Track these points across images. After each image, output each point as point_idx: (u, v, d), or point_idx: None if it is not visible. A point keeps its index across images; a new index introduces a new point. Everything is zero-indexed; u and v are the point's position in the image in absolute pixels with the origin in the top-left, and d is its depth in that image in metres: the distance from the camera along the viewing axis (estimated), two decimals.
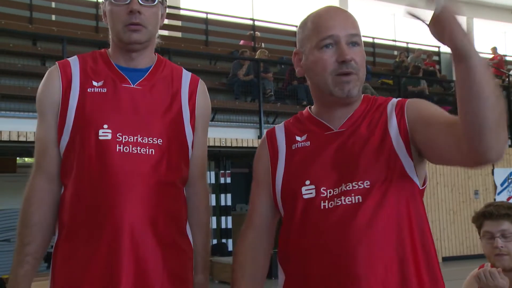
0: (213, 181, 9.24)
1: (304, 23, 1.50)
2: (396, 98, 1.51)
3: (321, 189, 1.41)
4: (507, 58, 16.92)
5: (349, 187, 1.38)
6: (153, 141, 1.59)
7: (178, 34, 12.33)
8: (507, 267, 1.99)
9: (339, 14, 1.46)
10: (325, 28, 1.42)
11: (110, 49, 1.72)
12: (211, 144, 8.09)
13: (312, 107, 1.57)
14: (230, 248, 9.02)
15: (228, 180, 9.38)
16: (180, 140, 1.66)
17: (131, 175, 1.54)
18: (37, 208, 1.59)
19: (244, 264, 1.55)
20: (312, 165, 1.45)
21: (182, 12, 12.53)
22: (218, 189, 9.34)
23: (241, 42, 12.79)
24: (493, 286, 1.93)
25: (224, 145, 8.25)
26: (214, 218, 9.15)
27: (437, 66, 14.84)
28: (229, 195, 9.32)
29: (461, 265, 6.99)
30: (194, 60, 10.95)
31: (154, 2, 1.63)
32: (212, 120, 8.65)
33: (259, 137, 8.62)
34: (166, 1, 1.73)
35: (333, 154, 1.43)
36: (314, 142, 1.47)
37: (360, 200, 1.36)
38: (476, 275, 2.01)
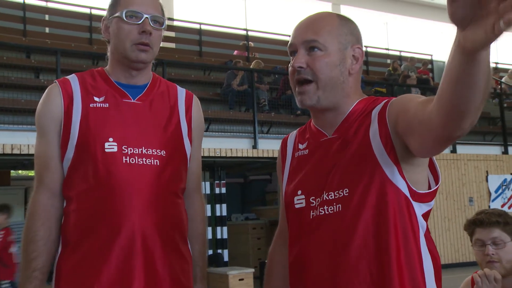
0: (208, 191, 9.22)
1: None
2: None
3: (310, 199, 1.42)
4: (499, 66, 17.04)
5: (331, 196, 1.37)
6: (157, 152, 1.66)
7: (172, 45, 12.37)
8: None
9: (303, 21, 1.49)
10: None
11: (108, 66, 1.77)
12: (206, 154, 8.10)
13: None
14: (226, 258, 8.99)
15: (223, 190, 9.37)
16: (180, 152, 1.73)
17: (139, 185, 1.60)
18: (42, 224, 1.62)
19: (270, 270, 1.66)
20: (304, 174, 1.47)
21: (175, 23, 12.58)
22: (213, 199, 9.33)
23: (235, 52, 12.84)
24: None
25: (219, 155, 8.26)
26: (209, 229, 9.12)
27: (430, 74, 14.92)
28: (224, 205, 9.31)
29: (456, 273, 6.99)
30: (188, 71, 10.98)
31: (162, 26, 1.72)
32: (206, 131, 8.66)
33: (254, 147, 8.64)
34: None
35: (322, 161, 1.43)
36: (311, 150, 1.49)
37: (340, 209, 1.35)
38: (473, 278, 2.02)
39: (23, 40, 9.83)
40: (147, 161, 1.63)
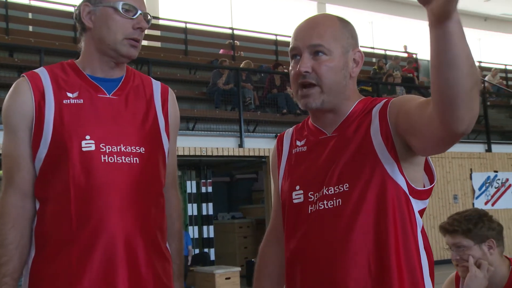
0: (194, 190, 9.21)
1: None
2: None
3: (309, 194, 1.43)
4: (482, 65, 17.23)
5: (330, 191, 1.38)
6: (135, 149, 1.59)
7: (158, 44, 12.32)
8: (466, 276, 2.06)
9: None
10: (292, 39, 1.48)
11: (81, 58, 1.69)
12: (192, 153, 8.08)
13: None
14: (212, 257, 8.99)
15: (210, 189, 9.36)
16: (159, 148, 1.66)
17: (119, 184, 1.53)
18: (12, 226, 1.53)
19: (260, 269, 1.65)
20: (303, 169, 1.47)
21: (161, 22, 12.52)
22: (199, 198, 9.31)
23: (221, 51, 12.82)
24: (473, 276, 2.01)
25: (205, 154, 8.24)
26: (196, 228, 9.11)
27: (415, 73, 15.04)
28: (210, 204, 9.30)
29: (442, 270, 7.04)
30: (173, 70, 10.93)
31: (149, 23, 1.67)
32: (192, 129, 8.63)
33: (240, 145, 8.63)
34: None
35: (321, 158, 1.44)
36: (310, 147, 1.50)
37: (340, 203, 1.36)
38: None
39: (6, 39, 9.72)
40: (126, 160, 1.56)
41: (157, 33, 12.41)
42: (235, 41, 13.02)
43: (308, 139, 1.51)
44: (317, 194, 1.41)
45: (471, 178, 10.90)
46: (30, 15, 11.19)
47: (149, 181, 1.60)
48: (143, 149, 1.60)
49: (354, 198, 1.35)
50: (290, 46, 1.47)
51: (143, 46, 12.95)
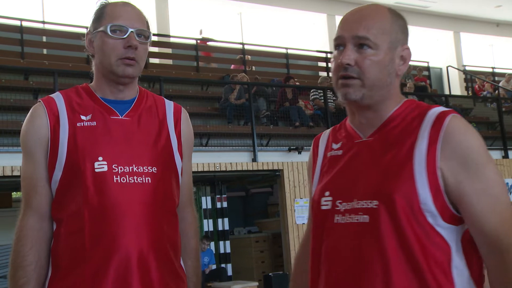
0: (209, 206, 9.21)
1: None
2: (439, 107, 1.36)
3: (337, 202, 1.37)
4: (496, 70, 17.10)
5: (359, 205, 1.31)
6: (148, 169, 1.61)
7: (169, 62, 12.43)
8: None
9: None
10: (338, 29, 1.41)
11: (93, 82, 1.74)
12: (206, 169, 8.10)
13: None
14: (229, 272, 8.96)
15: (225, 204, 9.36)
16: (172, 167, 1.69)
17: (131, 205, 1.56)
18: (30, 248, 1.57)
19: (295, 277, 1.63)
20: (335, 175, 1.41)
21: (172, 40, 12.64)
22: (215, 213, 9.31)
23: (232, 66, 12.90)
24: None
25: (219, 169, 8.26)
26: (212, 244, 9.10)
27: (427, 81, 14.97)
28: (226, 220, 9.29)
29: None
30: (185, 87, 11.01)
31: (148, 39, 1.68)
32: (205, 145, 8.67)
33: (254, 160, 8.64)
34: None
35: (353, 164, 1.38)
36: (345, 151, 1.43)
37: (368, 221, 1.29)
38: None
39: (21, 62, 9.88)
40: (138, 180, 1.59)
41: (169, 50, 12.52)
42: (246, 56, 13.09)
43: (344, 142, 1.45)
44: (345, 204, 1.34)
45: None
46: (44, 39, 11.37)
47: (161, 200, 1.62)
48: (155, 169, 1.62)
49: (383, 219, 1.26)
50: (336, 35, 1.38)
51: (155, 64, 13.04)
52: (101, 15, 1.68)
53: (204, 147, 8.62)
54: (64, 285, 1.55)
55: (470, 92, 16.01)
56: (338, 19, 16.44)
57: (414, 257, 1.25)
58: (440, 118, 1.30)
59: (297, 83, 11.58)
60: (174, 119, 1.74)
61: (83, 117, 1.64)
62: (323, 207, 1.40)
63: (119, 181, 1.57)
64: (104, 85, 1.70)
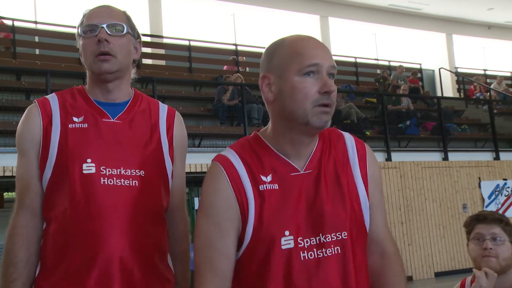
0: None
1: (277, 47, 1.42)
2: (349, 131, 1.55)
3: (299, 239, 1.35)
4: (487, 73, 17.21)
5: (328, 239, 1.36)
6: (135, 172, 1.63)
7: (162, 62, 12.42)
8: (493, 269, 2.04)
9: (321, 44, 1.41)
10: (309, 56, 1.35)
11: (87, 85, 1.76)
12: (198, 170, 8.09)
13: (267, 137, 1.44)
14: None
15: None
16: (161, 171, 1.70)
17: (117, 207, 1.58)
18: (21, 245, 1.59)
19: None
20: (287, 213, 1.36)
21: (165, 41, 12.63)
22: None
23: (225, 67, 12.90)
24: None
25: None
26: None
27: (420, 83, 15.04)
28: None
29: (452, 280, 6.98)
30: (178, 87, 11.00)
31: (122, 32, 1.68)
32: (198, 146, 8.67)
33: None
34: (139, 34, 1.78)
35: (306, 200, 1.38)
36: (282, 185, 1.38)
37: (339, 251, 1.37)
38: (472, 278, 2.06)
39: (14, 63, 9.84)
40: (125, 182, 1.60)
41: (161, 51, 12.52)
42: (239, 57, 13.09)
43: (276, 174, 1.39)
44: (309, 240, 1.35)
45: (480, 187, 10.84)
46: (36, 39, 11.33)
47: (148, 203, 1.63)
48: (143, 172, 1.64)
49: (353, 246, 1.40)
50: (307, 61, 1.35)
51: (148, 65, 12.96)
52: (81, 20, 1.72)
53: (196, 148, 8.62)
54: (49, 283, 1.57)
55: (462, 94, 16.10)
56: (331, 20, 16.52)
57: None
58: (358, 144, 1.51)
59: None
60: (167, 123, 1.75)
61: (75, 119, 1.66)
62: (284, 247, 1.34)
63: (106, 183, 1.59)
64: (95, 87, 1.72)
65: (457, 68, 17.37)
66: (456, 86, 16.79)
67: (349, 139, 1.51)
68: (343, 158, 1.46)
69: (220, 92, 9.98)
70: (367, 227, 1.45)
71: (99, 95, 1.71)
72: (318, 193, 1.39)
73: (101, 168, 1.60)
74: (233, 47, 13.42)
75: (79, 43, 1.71)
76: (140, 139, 1.68)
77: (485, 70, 17.48)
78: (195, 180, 9.03)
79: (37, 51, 11.23)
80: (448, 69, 16.96)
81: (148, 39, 12.19)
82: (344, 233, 1.38)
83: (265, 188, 1.37)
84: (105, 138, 1.64)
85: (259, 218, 1.35)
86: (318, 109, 1.35)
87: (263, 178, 1.38)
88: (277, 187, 1.38)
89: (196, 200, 9.17)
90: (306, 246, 1.35)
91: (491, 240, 2.08)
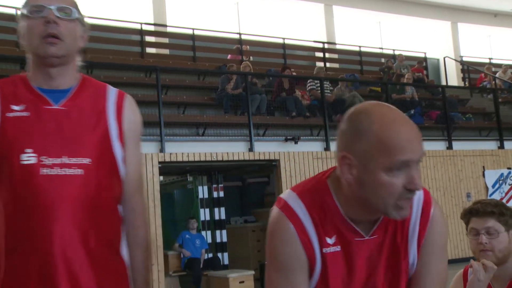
0: (206, 195, 9.24)
1: (363, 131, 1.30)
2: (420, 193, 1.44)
3: None
4: (493, 61, 17.12)
5: None
6: (80, 160, 1.56)
7: (166, 51, 12.40)
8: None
9: (412, 133, 1.29)
10: (399, 151, 1.26)
11: (29, 72, 1.67)
12: (202, 159, 8.11)
13: (338, 195, 1.40)
14: (226, 261, 9.00)
15: (221, 194, 9.38)
16: (109, 158, 1.62)
17: (59, 197, 1.51)
18: None
19: None
20: (345, 279, 1.41)
21: (168, 30, 12.60)
22: (212, 203, 9.34)
23: (229, 56, 12.88)
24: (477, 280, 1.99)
25: (216, 159, 8.27)
26: (209, 233, 9.14)
27: (424, 72, 14.98)
28: (222, 209, 9.32)
29: (456, 268, 6.98)
30: (182, 76, 10.99)
31: (71, 16, 1.61)
32: (202, 135, 8.68)
33: (250, 150, 8.66)
34: (86, 24, 1.70)
35: (364, 265, 1.41)
36: (345, 249, 1.40)
37: None
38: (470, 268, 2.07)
39: None
40: (69, 171, 1.52)
41: (165, 40, 12.49)
42: (243, 46, 13.06)
43: (341, 238, 1.40)
44: None
45: (484, 176, 10.82)
46: None
47: (95, 191, 1.56)
48: (89, 160, 1.57)
49: None
50: (397, 158, 1.26)
51: (151, 54, 12.92)
52: (25, 3, 1.62)
53: (200, 137, 8.63)
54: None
55: (467, 83, 16.03)
56: (336, 8, 16.40)
57: None
58: (425, 211, 1.48)
59: (294, 73, 11.57)
60: (116, 107, 1.67)
61: (15, 107, 1.57)
62: None
63: (46, 173, 1.51)
64: (37, 73, 1.63)
65: (462, 57, 17.27)
66: (461, 75, 16.71)
67: (417, 201, 1.44)
68: (403, 225, 1.43)
69: (224, 81, 9.96)
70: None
71: (41, 82, 1.62)
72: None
73: (42, 158, 1.52)
74: (237, 36, 13.37)
75: (22, 24, 1.60)
76: (86, 125, 1.60)
77: (490, 58, 17.38)
78: (199, 169, 9.06)
79: None
80: (453, 58, 16.87)
81: (151, 28, 12.17)
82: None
83: (328, 251, 1.38)
84: (47, 126, 1.56)
85: (322, 281, 1.40)
86: (400, 203, 1.30)
87: (328, 240, 1.39)
88: (339, 249, 1.39)
89: (200, 189, 9.19)
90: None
91: (485, 234, 2.08)
